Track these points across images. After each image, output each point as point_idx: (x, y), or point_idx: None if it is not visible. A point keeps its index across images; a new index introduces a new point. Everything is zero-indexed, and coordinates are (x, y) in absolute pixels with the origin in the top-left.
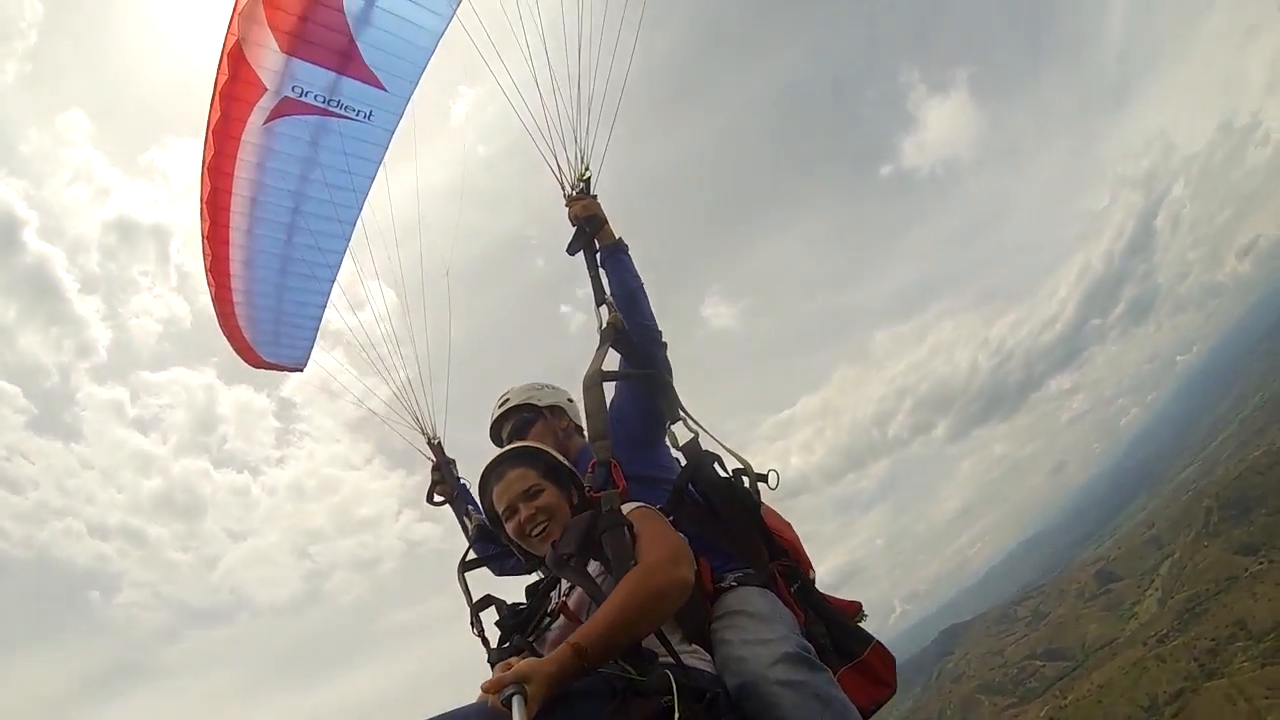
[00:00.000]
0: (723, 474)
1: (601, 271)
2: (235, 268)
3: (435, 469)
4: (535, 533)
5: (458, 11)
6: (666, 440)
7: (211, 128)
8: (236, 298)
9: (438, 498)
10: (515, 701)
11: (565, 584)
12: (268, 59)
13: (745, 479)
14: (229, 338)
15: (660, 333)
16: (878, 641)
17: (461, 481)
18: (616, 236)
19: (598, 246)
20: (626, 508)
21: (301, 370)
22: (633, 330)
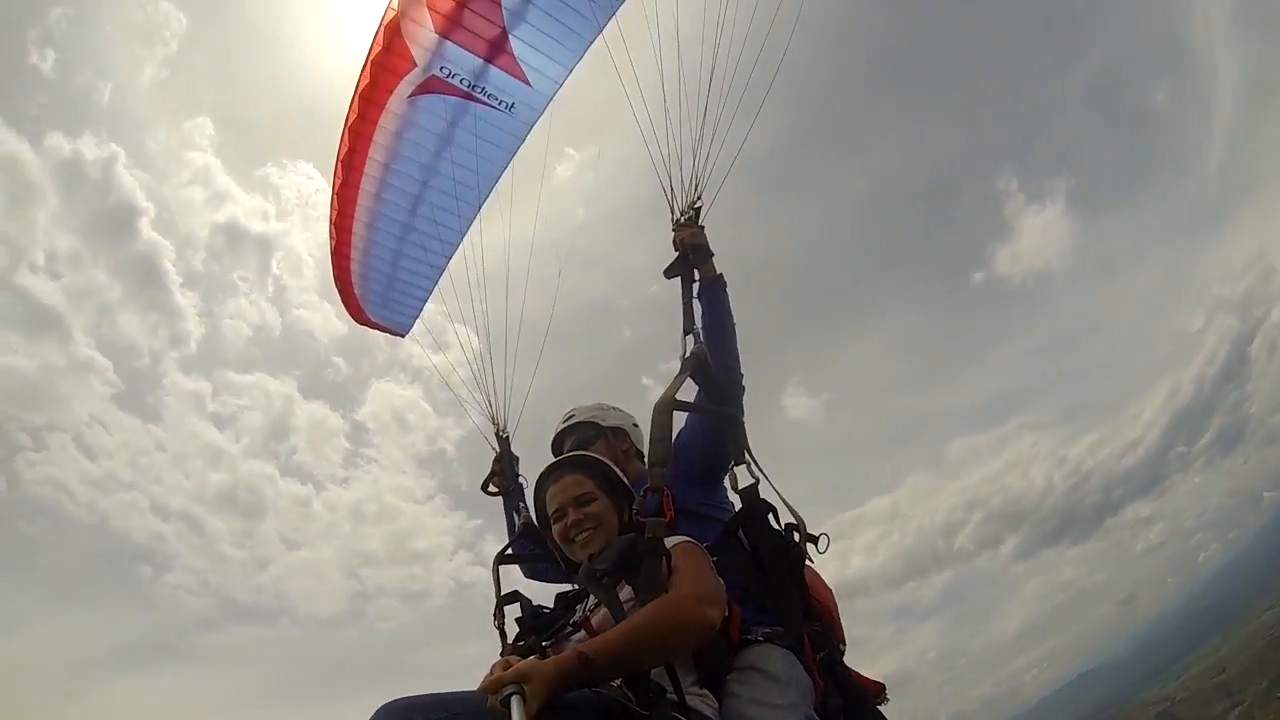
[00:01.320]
0: (775, 526)
1: (695, 303)
2: (358, 227)
3: (497, 460)
4: (579, 537)
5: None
6: (725, 481)
7: (359, 92)
8: (354, 254)
9: (493, 488)
10: (514, 701)
11: (592, 600)
12: (422, 36)
13: (796, 535)
14: (341, 292)
15: (743, 375)
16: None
17: (520, 479)
18: (718, 272)
19: (696, 277)
20: (671, 540)
21: (403, 335)
22: (717, 367)
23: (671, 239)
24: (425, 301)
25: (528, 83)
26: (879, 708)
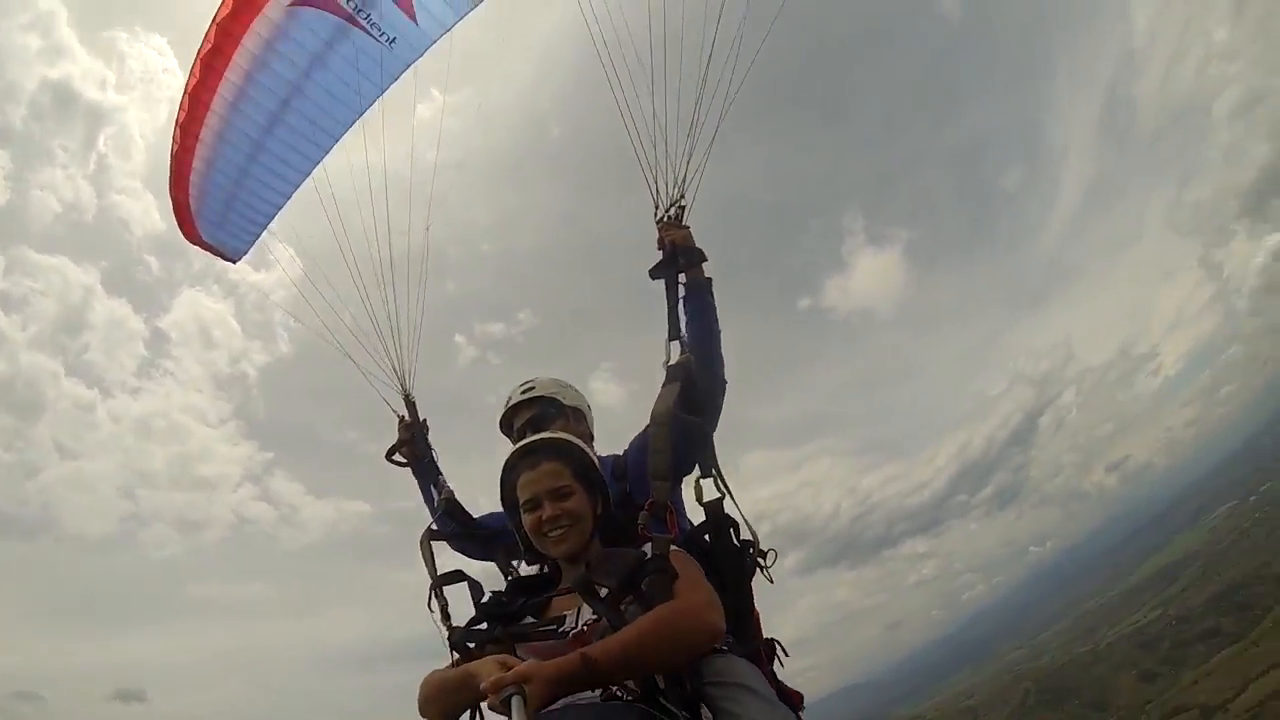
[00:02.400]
0: (735, 542)
1: (680, 307)
2: (206, 134)
3: (406, 426)
4: (553, 534)
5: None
6: (690, 490)
7: None
8: (197, 164)
9: (399, 457)
10: (514, 702)
11: (588, 612)
12: None
13: (752, 550)
14: (174, 201)
15: (726, 382)
16: None
17: (432, 450)
18: (707, 276)
19: (682, 279)
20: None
21: (234, 261)
22: (703, 376)
23: (657, 238)
24: (264, 228)
25: (415, 20)
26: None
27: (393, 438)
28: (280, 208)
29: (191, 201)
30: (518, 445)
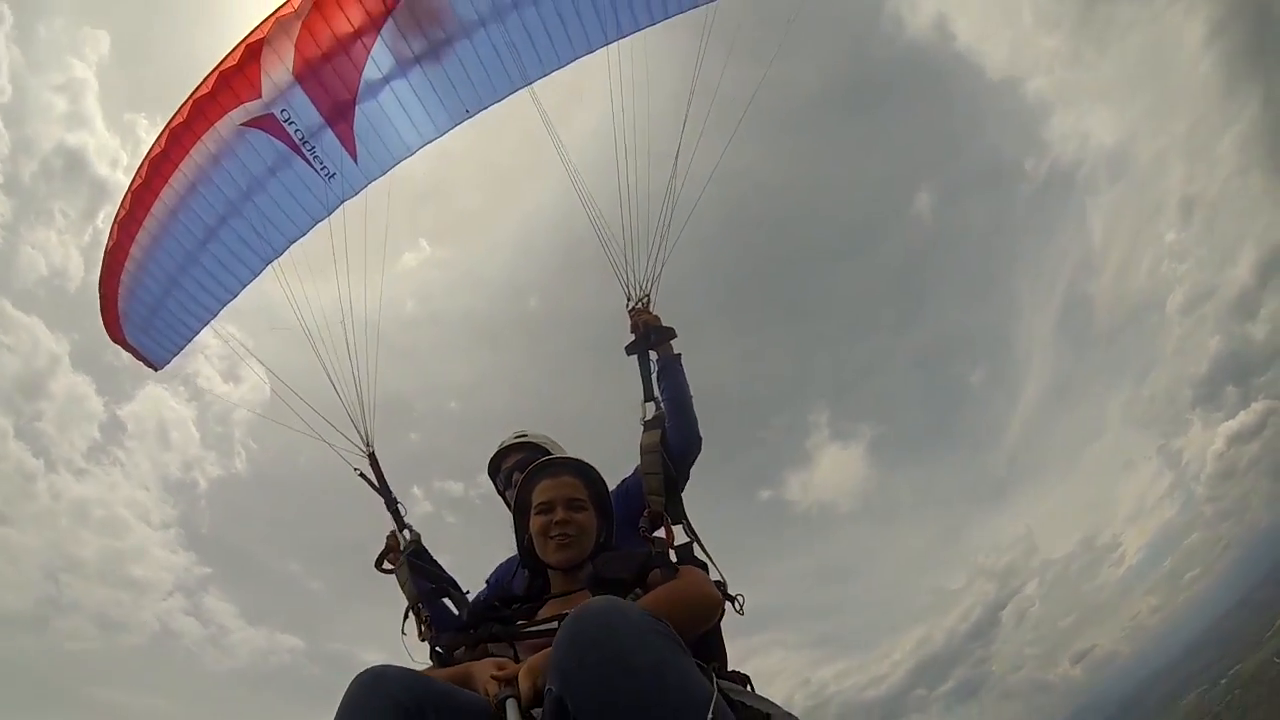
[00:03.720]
0: None
1: (655, 378)
2: (142, 236)
3: (393, 534)
4: (557, 537)
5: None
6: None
7: (194, 99)
8: (129, 265)
9: (387, 565)
10: (509, 705)
11: None
12: (277, 71)
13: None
14: (102, 297)
15: (701, 439)
16: None
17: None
18: (676, 351)
19: (654, 356)
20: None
21: (156, 369)
22: (678, 430)
23: (630, 322)
24: (188, 341)
25: (355, 158)
26: None
27: (373, 551)
28: (206, 322)
29: (120, 300)
30: (544, 459)
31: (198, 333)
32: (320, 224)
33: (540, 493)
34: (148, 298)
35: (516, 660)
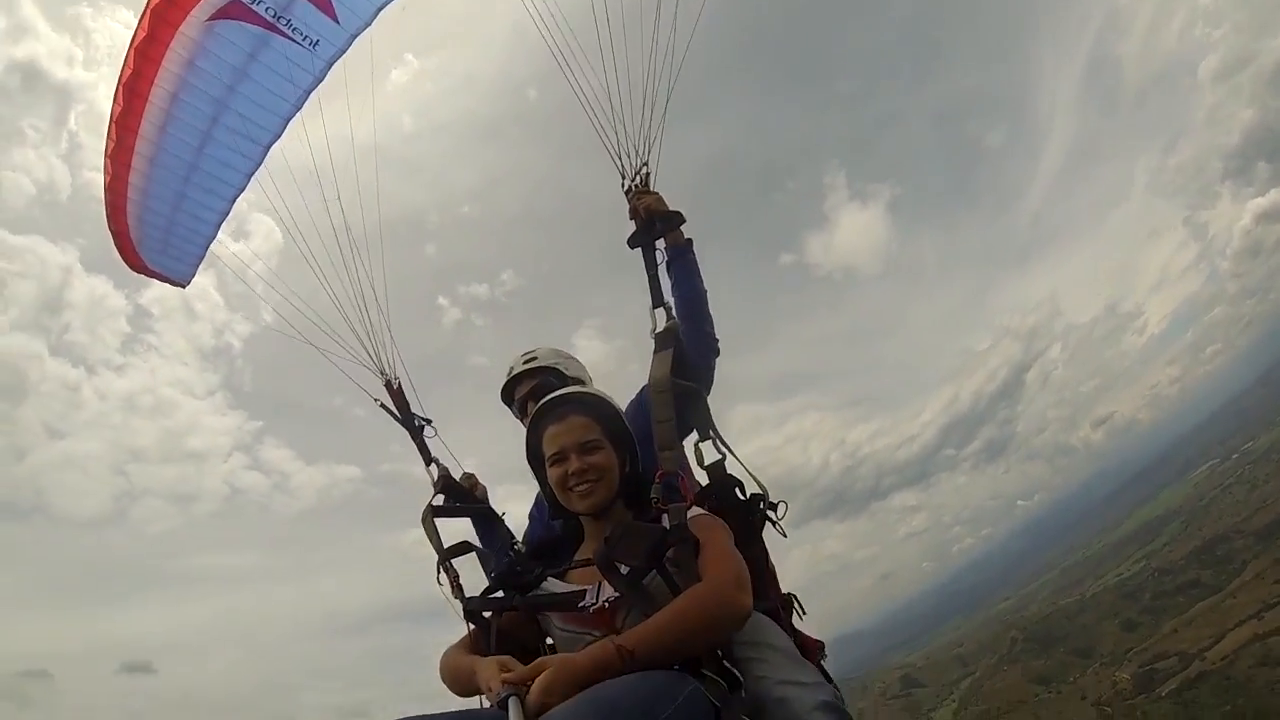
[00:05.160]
0: (741, 497)
1: (663, 272)
2: (138, 162)
3: (443, 477)
4: (579, 488)
5: None
6: (689, 452)
7: (151, 6)
8: (131, 194)
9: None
10: (512, 703)
11: (607, 589)
12: None
13: (761, 504)
14: (114, 233)
15: (718, 341)
16: (834, 686)
17: (419, 421)
18: (686, 237)
19: (660, 245)
20: (688, 514)
21: (184, 286)
22: (692, 337)
23: (628, 208)
24: (207, 247)
25: (335, 18)
26: (822, 664)
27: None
28: (220, 224)
29: (131, 230)
30: (547, 398)
31: (214, 238)
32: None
33: (550, 441)
34: (158, 220)
35: (539, 629)
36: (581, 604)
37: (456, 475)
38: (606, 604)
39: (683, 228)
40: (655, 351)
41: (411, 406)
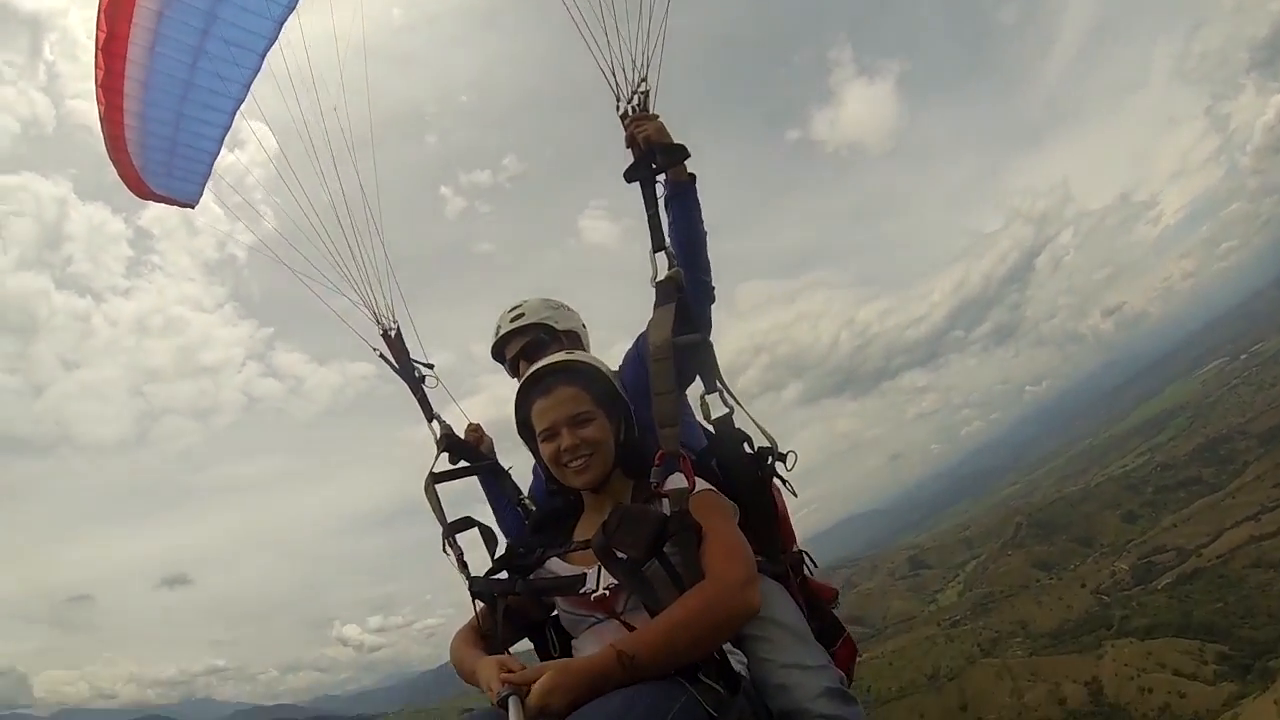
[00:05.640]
0: (749, 452)
1: (663, 210)
2: (130, 86)
3: (445, 436)
4: (574, 464)
5: None
6: (695, 407)
7: None
8: (129, 120)
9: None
10: (512, 702)
11: (605, 576)
12: None
13: (769, 459)
14: (115, 162)
15: (714, 289)
16: (847, 634)
17: (419, 370)
18: (689, 172)
19: (661, 179)
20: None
21: (193, 206)
22: (693, 282)
23: (625, 134)
24: (212, 165)
25: None
26: (834, 612)
27: None
28: (223, 139)
29: (133, 159)
30: (532, 369)
31: (217, 155)
32: None
33: (539, 417)
34: (160, 143)
35: (546, 606)
36: (583, 589)
37: (461, 429)
38: (607, 590)
39: (686, 162)
40: (656, 305)
41: (412, 353)
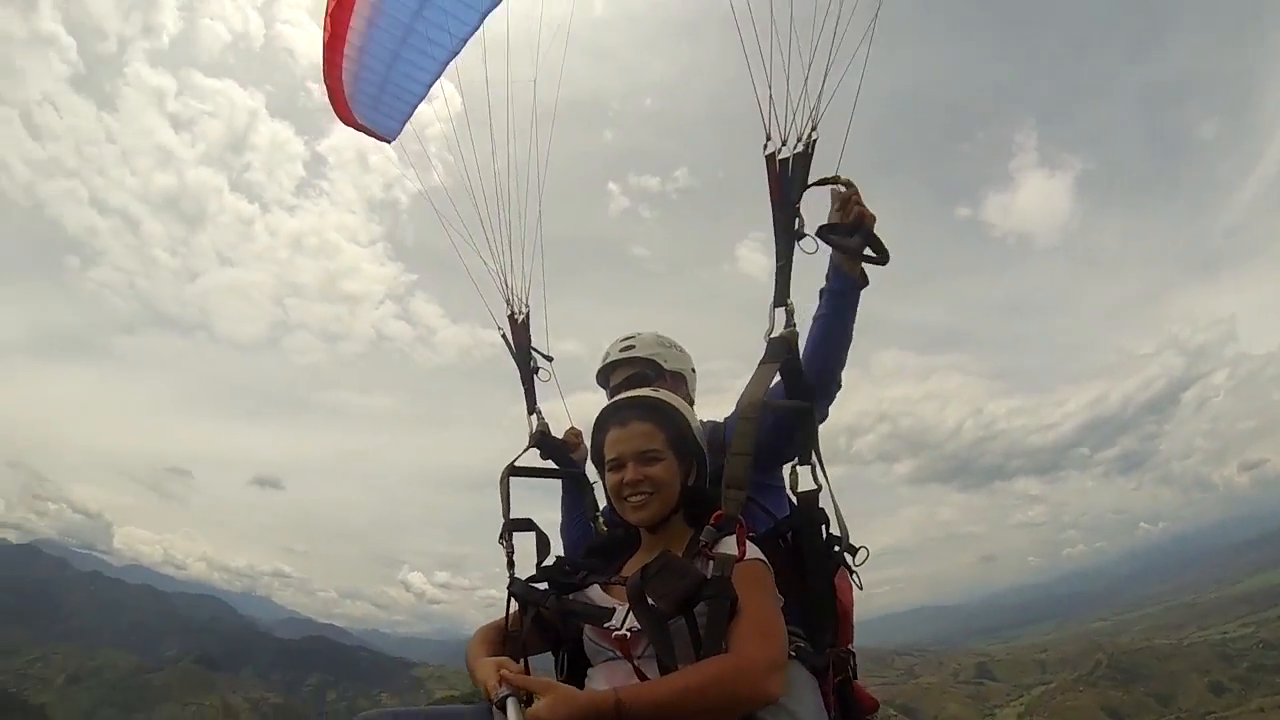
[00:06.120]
0: (823, 537)
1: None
2: (356, 21)
3: (540, 434)
4: (633, 499)
5: None
6: (784, 476)
7: None
8: (349, 50)
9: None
10: (510, 703)
11: (633, 619)
12: None
13: (838, 547)
14: (329, 87)
15: (841, 386)
16: None
17: (536, 361)
18: (860, 269)
19: (837, 261)
20: (739, 562)
21: (390, 141)
22: (820, 374)
23: (840, 201)
24: (415, 108)
25: None
26: None
27: None
28: (430, 86)
29: (345, 86)
30: (612, 400)
31: (423, 98)
32: None
33: (610, 447)
34: (373, 77)
35: (572, 631)
36: (608, 624)
37: (564, 426)
38: (629, 632)
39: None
40: (762, 360)
41: (536, 342)
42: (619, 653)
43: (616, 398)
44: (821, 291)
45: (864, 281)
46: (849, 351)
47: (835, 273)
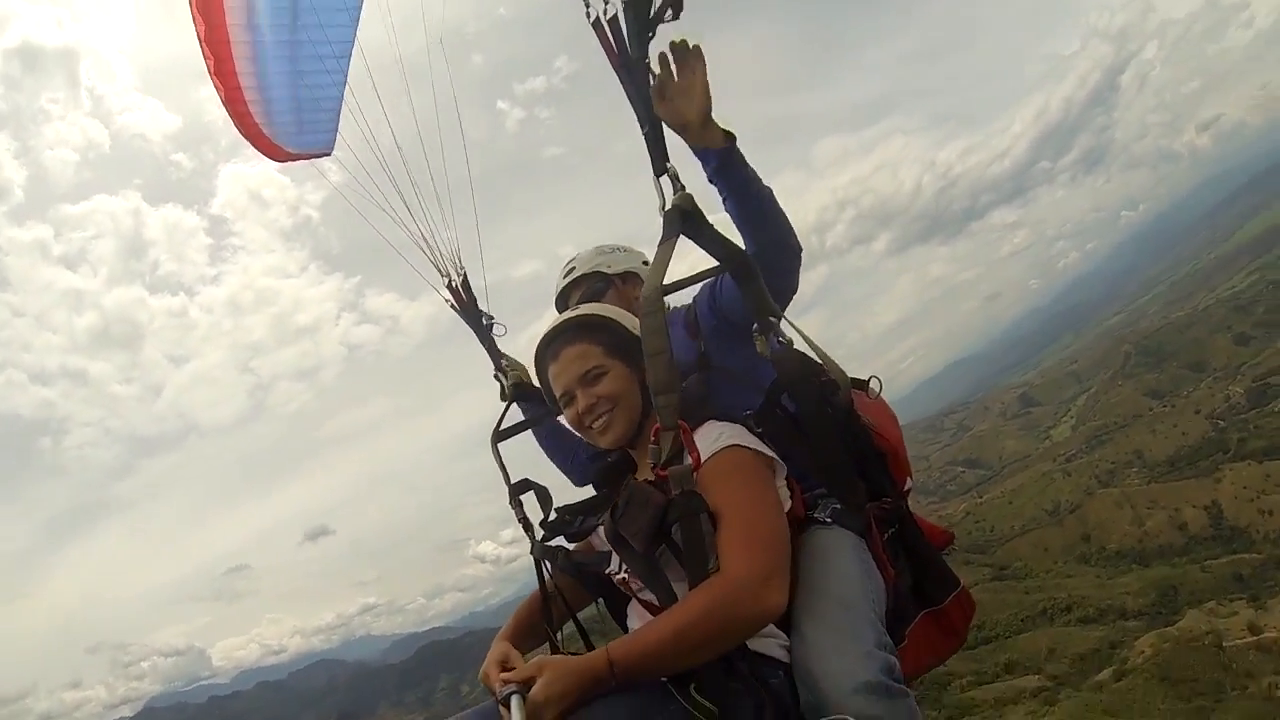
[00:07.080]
0: (820, 382)
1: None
2: (241, 65)
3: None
4: (595, 424)
5: None
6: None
7: None
8: (249, 95)
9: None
10: (514, 701)
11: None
12: None
13: (838, 394)
14: (249, 138)
15: (801, 250)
16: (963, 587)
17: (487, 320)
18: (723, 132)
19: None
20: (708, 441)
21: (329, 154)
22: (765, 251)
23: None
24: (339, 111)
25: None
26: (944, 557)
27: None
28: (341, 87)
29: (263, 130)
30: (540, 337)
31: (341, 99)
32: None
33: (554, 383)
34: (284, 106)
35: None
36: (608, 569)
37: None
38: (626, 575)
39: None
40: (660, 241)
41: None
42: (628, 593)
43: (546, 331)
44: (712, 179)
45: (729, 140)
46: (777, 204)
47: (700, 154)
